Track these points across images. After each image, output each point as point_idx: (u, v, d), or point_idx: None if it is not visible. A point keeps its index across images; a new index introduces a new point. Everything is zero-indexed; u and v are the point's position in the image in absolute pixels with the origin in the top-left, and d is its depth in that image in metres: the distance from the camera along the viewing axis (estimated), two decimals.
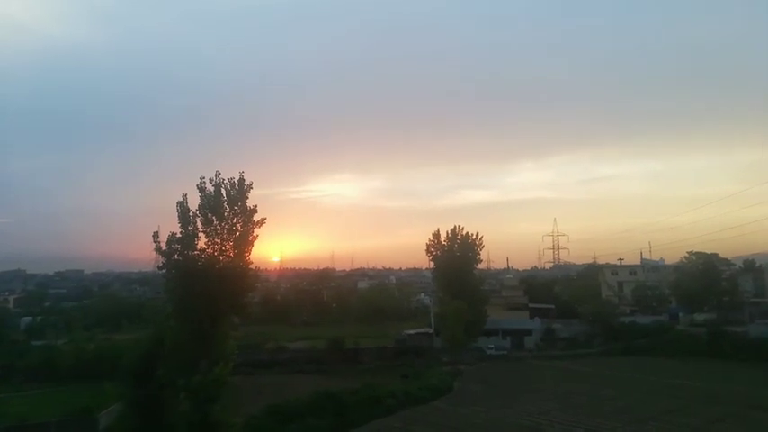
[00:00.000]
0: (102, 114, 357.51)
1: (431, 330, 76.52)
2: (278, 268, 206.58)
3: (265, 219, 31.53)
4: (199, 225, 30.57)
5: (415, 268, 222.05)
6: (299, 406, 38.11)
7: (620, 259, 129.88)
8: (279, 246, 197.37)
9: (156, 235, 30.65)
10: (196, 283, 29.51)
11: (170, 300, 32.13)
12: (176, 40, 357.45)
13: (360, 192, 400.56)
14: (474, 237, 74.01)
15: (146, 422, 31.04)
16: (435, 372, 55.34)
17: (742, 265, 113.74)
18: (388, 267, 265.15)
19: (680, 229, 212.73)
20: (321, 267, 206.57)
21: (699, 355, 63.63)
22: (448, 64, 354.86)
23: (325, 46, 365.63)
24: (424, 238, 78.15)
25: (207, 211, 30.52)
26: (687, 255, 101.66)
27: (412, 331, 79.04)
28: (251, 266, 32.21)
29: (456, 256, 73.49)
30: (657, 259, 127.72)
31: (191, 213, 30.56)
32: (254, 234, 31.29)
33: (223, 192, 30.76)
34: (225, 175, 31.00)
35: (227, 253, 30.61)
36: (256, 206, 31.24)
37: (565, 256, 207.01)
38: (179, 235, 30.37)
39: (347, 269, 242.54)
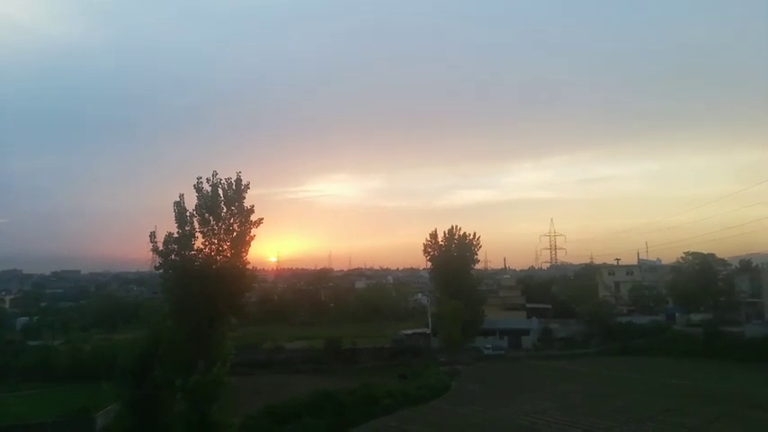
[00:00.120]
0: (99, 114, 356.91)
1: (428, 330, 76.57)
2: (275, 268, 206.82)
3: (263, 219, 31.56)
4: (196, 225, 30.52)
5: (412, 268, 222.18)
6: (296, 406, 38.11)
7: (618, 259, 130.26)
8: (276, 246, 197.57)
9: (153, 235, 30.65)
10: (193, 284, 29.46)
11: (167, 300, 32.11)
12: (174, 39, 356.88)
13: (357, 192, 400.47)
14: (471, 237, 74.16)
15: (143, 422, 31.01)
16: (433, 372, 55.38)
17: (738, 266, 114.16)
18: (385, 267, 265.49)
19: (677, 230, 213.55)
20: (318, 267, 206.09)
21: (695, 356, 63.78)
22: (446, 64, 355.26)
23: (324, 46, 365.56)
24: (421, 238, 78.35)
25: (204, 211, 30.46)
26: (684, 255, 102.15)
27: (409, 331, 79.07)
28: (248, 266, 32.17)
29: (453, 256, 73.57)
30: (654, 259, 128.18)
31: (188, 213, 30.51)
32: (252, 234, 31.27)
33: (220, 192, 30.72)
34: (222, 175, 31.00)
35: (225, 253, 30.56)
36: (253, 206, 31.25)
37: (562, 257, 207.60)
38: (176, 235, 30.31)
39: (345, 269, 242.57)
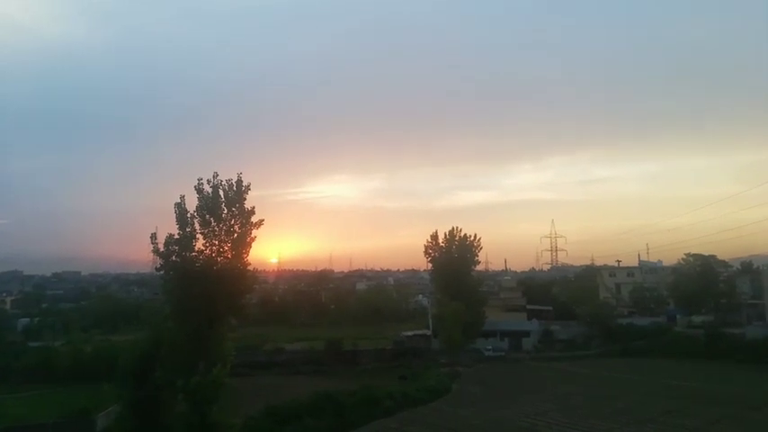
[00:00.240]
0: (100, 114, 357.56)
1: (429, 332, 76.51)
2: (276, 270, 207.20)
3: (263, 220, 31.62)
4: (197, 226, 30.57)
5: (413, 270, 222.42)
6: (297, 407, 38.07)
7: (618, 261, 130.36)
8: (277, 247, 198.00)
9: (153, 236, 30.71)
10: (194, 285, 29.50)
11: (168, 301, 32.15)
12: (174, 39, 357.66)
13: (358, 193, 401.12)
14: (472, 238, 74.12)
15: (144, 423, 31.03)
16: (433, 373, 55.33)
17: (740, 267, 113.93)
18: (386, 269, 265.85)
19: (678, 231, 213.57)
20: (319, 269, 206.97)
21: (696, 357, 63.70)
22: (446, 64, 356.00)
23: (324, 46, 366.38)
24: (422, 239, 78.28)
25: (205, 212, 30.51)
26: (685, 256, 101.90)
27: (410, 333, 79.03)
28: (249, 268, 32.24)
29: (454, 257, 73.54)
30: (655, 261, 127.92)
31: (188, 215, 30.56)
32: (252, 235, 31.32)
33: (221, 193, 30.77)
34: (223, 176, 31.11)
35: (225, 254, 30.60)
36: (254, 207, 31.32)
37: (563, 258, 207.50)
38: (177, 236, 30.37)
39: (345, 270, 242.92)
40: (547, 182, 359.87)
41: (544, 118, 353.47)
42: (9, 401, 48.70)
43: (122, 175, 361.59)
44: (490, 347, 71.10)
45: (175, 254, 30.25)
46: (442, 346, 68.81)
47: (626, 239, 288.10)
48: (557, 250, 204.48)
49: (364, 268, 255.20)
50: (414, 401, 43.94)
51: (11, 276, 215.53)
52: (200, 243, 30.52)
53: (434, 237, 75.44)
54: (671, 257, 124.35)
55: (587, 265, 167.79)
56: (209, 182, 30.76)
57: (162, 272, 31.15)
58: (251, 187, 31.43)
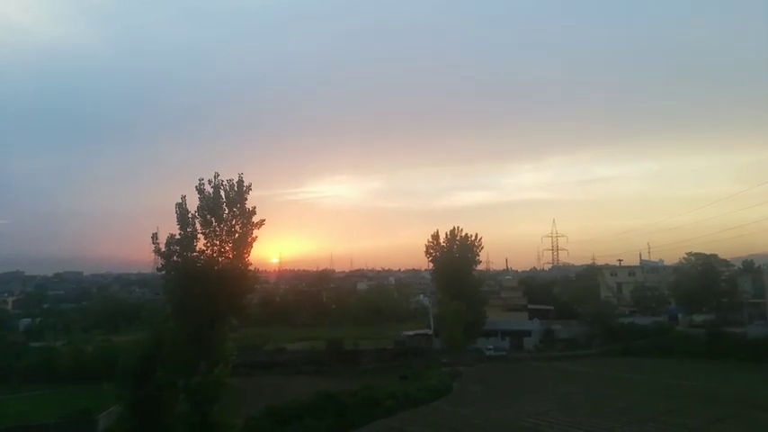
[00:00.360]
0: (100, 115, 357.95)
1: (430, 331, 76.51)
2: (277, 270, 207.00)
3: (264, 220, 31.62)
4: (198, 226, 30.59)
5: (414, 269, 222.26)
6: (298, 407, 38.09)
7: (620, 260, 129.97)
8: (278, 247, 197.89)
9: (155, 236, 30.72)
10: (195, 285, 29.51)
11: (169, 301, 32.16)
12: (175, 40, 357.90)
13: (359, 193, 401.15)
14: (473, 238, 74.07)
15: (145, 424, 31.07)
16: (434, 373, 55.33)
17: (741, 266, 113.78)
18: (387, 268, 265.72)
19: (679, 230, 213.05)
20: (320, 269, 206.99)
21: (698, 356, 63.66)
22: (446, 64, 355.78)
23: (324, 46, 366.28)
24: (423, 239, 78.32)
25: (206, 212, 30.54)
26: (686, 256, 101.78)
27: (411, 332, 79.02)
28: (250, 268, 32.23)
29: (455, 257, 73.50)
30: (656, 260, 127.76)
31: (190, 215, 30.58)
32: (253, 235, 31.33)
33: (222, 193, 30.78)
34: (224, 176, 31.13)
35: (226, 254, 30.62)
36: (255, 207, 31.33)
37: (564, 257, 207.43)
38: (178, 236, 30.39)
39: (346, 270, 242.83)
40: (547, 181, 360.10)
41: (544, 118, 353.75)
42: (11, 401, 48.74)
43: (123, 175, 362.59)
44: (491, 347, 71.07)
45: (177, 254, 30.28)
46: (444, 346, 68.81)
47: (627, 239, 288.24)
48: (558, 250, 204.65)
49: (365, 268, 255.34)
50: (415, 401, 43.94)
51: (12, 277, 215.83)
52: (201, 243, 30.55)
53: (435, 236, 75.43)
54: (672, 257, 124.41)
55: (588, 265, 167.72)
56: (210, 182, 30.80)
57: (163, 272, 31.19)
58: (252, 187, 31.49)
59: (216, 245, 30.52)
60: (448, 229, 75.39)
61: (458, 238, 74.17)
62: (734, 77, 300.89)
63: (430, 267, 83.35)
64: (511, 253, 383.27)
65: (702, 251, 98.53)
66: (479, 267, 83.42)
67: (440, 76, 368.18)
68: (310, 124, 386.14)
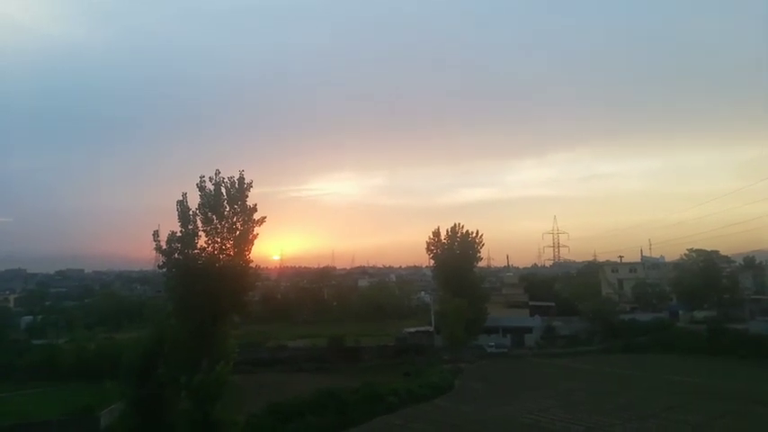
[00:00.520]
0: (101, 114, 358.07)
1: (431, 328, 76.55)
2: (278, 267, 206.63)
3: (265, 217, 31.62)
4: (199, 224, 30.60)
5: (415, 266, 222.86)
6: (299, 404, 38.10)
7: (621, 257, 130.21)
8: (279, 244, 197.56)
9: (156, 234, 30.68)
10: (196, 282, 29.53)
11: (171, 298, 32.17)
12: (175, 38, 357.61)
13: (360, 190, 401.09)
14: (474, 235, 73.95)
15: (147, 421, 31.12)
16: (436, 370, 55.36)
17: (742, 263, 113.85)
18: (388, 265, 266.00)
19: (680, 226, 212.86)
20: (321, 266, 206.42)
21: (699, 353, 63.59)
22: (449, 62, 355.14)
23: (325, 44, 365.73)
24: (424, 236, 78.15)
25: (207, 209, 30.53)
26: (687, 252, 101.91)
27: (412, 329, 79.10)
28: (251, 265, 32.24)
29: (456, 254, 73.41)
30: (658, 257, 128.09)
31: (191, 212, 30.58)
32: (255, 233, 31.33)
33: (223, 190, 30.78)
34: (225, 174, 31.10)
35: (228, 252, 30.63)
36: (256, 205, 31.31)
37: (565, 254, 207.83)
38: (179, 234, 30.39)
39: (348, 267, 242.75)
40: (549, 178, 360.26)
41: (546, 115, 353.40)
42: (13, 399, 48.89)
43: (125, 173, 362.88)
44: (492, 344, 71.12)
45: (178, 251, 30.29)
46: (445, 343, 68.84)
47: (628, 235, 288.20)
48: (559, 246, 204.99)
49: (366, 265, 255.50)
50: (416, 398, 43.97)
51: (14, 274, 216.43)
52: (202, 240, 30.56)
53: (436, 233, 75.34)
54: (673, 253, 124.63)
55: (589, 261, 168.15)
56: (211, 179, 30.79)
57: (165, 269, 31.18)
58: (253, 184, 31.47)
59: (217, 242, 30.53)
60: (449, 225, 75.29)
61: (459, 234, 74.06)
62: (735, 74, 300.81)
63: (431, 264, 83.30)
64: (512, 250, 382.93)
65: (704, 247, 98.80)
66: (480, 264, 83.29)
67: (441, 74, 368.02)
68: (312, 121, 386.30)
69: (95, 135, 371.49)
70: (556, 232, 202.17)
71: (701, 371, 55.20)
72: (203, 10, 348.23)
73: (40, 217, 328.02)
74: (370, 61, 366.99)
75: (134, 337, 45.65)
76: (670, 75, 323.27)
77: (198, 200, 30.69)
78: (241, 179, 31.09)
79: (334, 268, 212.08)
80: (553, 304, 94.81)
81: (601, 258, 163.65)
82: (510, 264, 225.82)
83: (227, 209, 30.73)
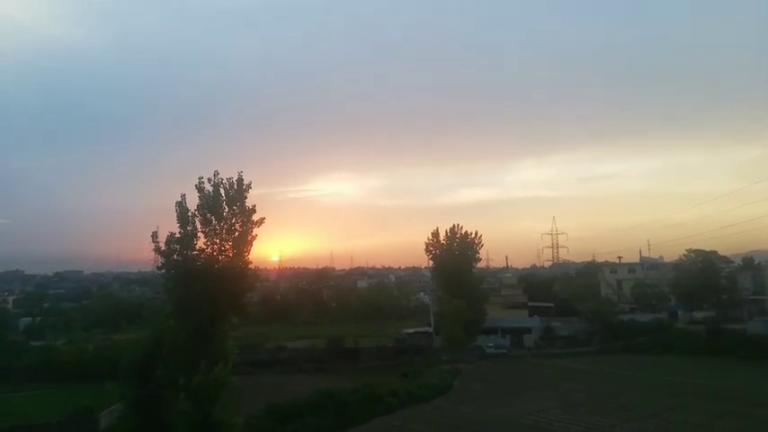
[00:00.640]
0: (100, 114, 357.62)
1: (430, 329, 76.52)
2: (277, 268, 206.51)
3: (264, 218, 31.50)
4: (198, 225, 30.48)
5: (414, 267, 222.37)
6: (299, 405, 38.10)
7: (620, 257, 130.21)
8: (278, 245, 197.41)
9: (154, 235, 30.58)
10: (195, 283, 29.45)
11: (169, 300, 32.08)
12: (175, 39, 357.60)
13: (359, 191, 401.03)
14: (473, 235, 73.99)
15: (146, 422, 31.08)
16: (435, 370, 55.34)
17: (741, 263, 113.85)
18: (387, 266, 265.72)
19: (679, 227, 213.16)
20: (320, 267, 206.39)
21: (698, 353, 63.66)
22: (448, 62, 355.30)
23: (324, 45, 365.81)
24: (423, 236, 78.25)
25: (206, 211, 30.44)
26: (686, 252, 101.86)
27: (411, 330, 79.06)
28: (250, 266, 32.12)
29: (455, 254, 73.43)
30: (657, 257, 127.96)
31: (189, 213, 30.48)
32: (253, 234, 31.23)
33: (222, 192, 30.69)
34: (224, 175, 30.96)
35: (227, 253, 30.54)
36: (255, 206, 31.21)
37: (564, 255, 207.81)
38: (178, 235, 30.28)
39: (346, 268, 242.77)
40: (548, 179, 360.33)
41: (546, 115, 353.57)
42: (12, 400, 48.81)
43: (123, 174, 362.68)
44: (492, 344, 71.12)
45: (177, 252, 30.18)
46: (444, 344, 68.83)
47: (627, 236, 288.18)
48: (558, 247, 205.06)
49: (365, 266, 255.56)
50: (415, 399, 43.96)
51: (12, 276, 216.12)
52: (201, 242, 30.45)
53: (435, 234, 75.37)
54: (672, 253, 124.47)
55: (588, 262, 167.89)
56: (209, 180, 30.69)
57: (163, 270, 31.07)
58: (252, 185, 31.35)
59: (216, 243, 30.44)
60: (448, 226, 75.39)
61: (458, 235, 74.10)
62: (735, 74, 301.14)
63: (430, 265, 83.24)
64: (511, 250, 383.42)
65: (702, 248, 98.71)
66: (479, 265, 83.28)
67: (441, 74, 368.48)
68: (311, 122, 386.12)
69: (94, 135, 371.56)
70: (555, 233, 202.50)
71: (699, 371, 55.23)
72: (203, 10, 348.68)
73: (39, 218, 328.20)
74: (369, 62, 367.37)
75: (133, 338, 45.61)
76: (670, 75, 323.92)
77: (197, 201, 30.60)
78: (240, 180, 31.03)
79: (333, 269, 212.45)
80: (552, 305, 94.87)
81: (600, 259, 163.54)
82: (509, 264, 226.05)
83: (226, 210, 30.64)
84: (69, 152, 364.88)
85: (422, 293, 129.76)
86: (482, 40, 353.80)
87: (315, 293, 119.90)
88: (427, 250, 76.28)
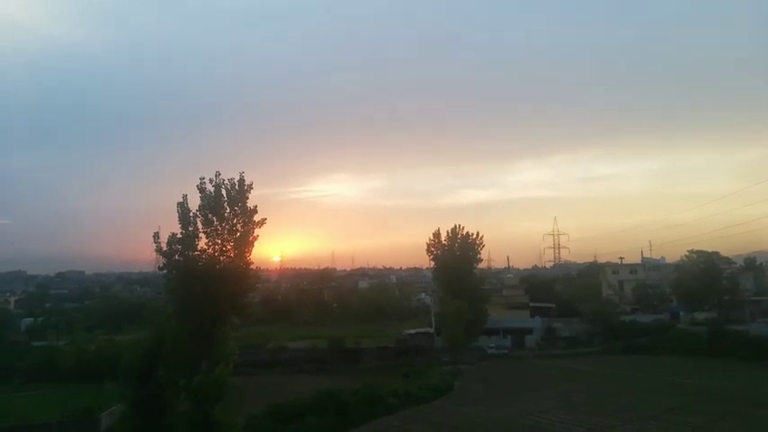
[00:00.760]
0: (101, 114, 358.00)
1: (431, 330, 76.55)
2: (278, 268, 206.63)
3: (266, 219, 31.49)
4: (199, 225, 30.51)
5: (415, 268, 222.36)
6: (300, 406, 38.14)
7: (621, 258, 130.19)
8: (279, 246, 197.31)
9: (156, 235, 30.61)
10: (197, 284, 29.48)
11: (171, 300, 32.13)
12: (175, 39, 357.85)
13: (360, 191, 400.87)
14: (474, 236, 74.00)
15: (147, 422, 31.12)
16: (436, 371, 55.37)
17: (743, 264, 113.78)
18: (388, 267, 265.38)
19: (681, 228, 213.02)
20: (322, 267, 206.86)
21: (699, 354, 63.58)
22: (448, 62, 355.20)
23: (325, 46, 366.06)
24: (424, 237, 78.13)
25: (207, 211, 30.46)
26: (688, 253, 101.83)
27: (412, 331, 79.09)
28: (251, 267, 32.15)
29: (456, 255, 73.44)
30: (658, 258, 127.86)
31: (191, 214, 30.51)
32: (255, 234, 31.23)
33: (223, 192, 30.71)
34: (225, 176, 30.94)
35: (228, 253, 30.56)
36: (257, 206, 31.21)
37: (565, 255, 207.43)
38: (179, 235, 30.31)
39: (348, 269, 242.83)
40: (549, 179, 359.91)
41: (546, 116, 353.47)
42: (13, 400, 48.93)
43: (124, 174, 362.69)
44: (493, 345, 71.14)
45: (178, 253, 30.22)
46: (445, 344, 68.83)
47: (629, 236, 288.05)
48: (559, 248, 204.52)
49: (366, 266, 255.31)
50: (416, 399, 43.97)
51: (14, 276, 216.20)
52: (202, 242, 30.47)
53: (437, 235, 75.39)
54: (674, 254, 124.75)
55: (590, 263, 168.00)
56: (211, 181, 30.71)
57: (165, 271, 31.10)
58: (253, 186, 31.35)
59: (217, 244, 30.47)
60: (449, 227, 75.39)
61: (459, 236, 74.10)
62: (735, 74, 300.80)
63: (431, 266, 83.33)
64: (512, 251, 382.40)
65: (704, 248, 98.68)
66: (481, 265, 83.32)
67: (441, 75, 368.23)
68: (312, 123, 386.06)
69: (95, 136, 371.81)
70: (556, 233, 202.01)
71: (701, 372, 55.17)
72: (203, 10, 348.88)
73: (41, 218, 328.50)
74: (370, 62, 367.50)
75: (134, 338, 45.66)
76: (670, 75, 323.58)
77: (198, 201, 30.64)
78: (241, 181, 31.05)
79: (335, 270, 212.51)
80: (554, 305, 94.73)
81: (601, 259, 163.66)
82: (510, 265, 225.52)
83: (228, 210, 30.66)
84: (70, 152, 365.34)
85: (423, 294, 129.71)
86: (482, 40, 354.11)
87: (316, 294, 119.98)
88: (428, 251, 76.33)
